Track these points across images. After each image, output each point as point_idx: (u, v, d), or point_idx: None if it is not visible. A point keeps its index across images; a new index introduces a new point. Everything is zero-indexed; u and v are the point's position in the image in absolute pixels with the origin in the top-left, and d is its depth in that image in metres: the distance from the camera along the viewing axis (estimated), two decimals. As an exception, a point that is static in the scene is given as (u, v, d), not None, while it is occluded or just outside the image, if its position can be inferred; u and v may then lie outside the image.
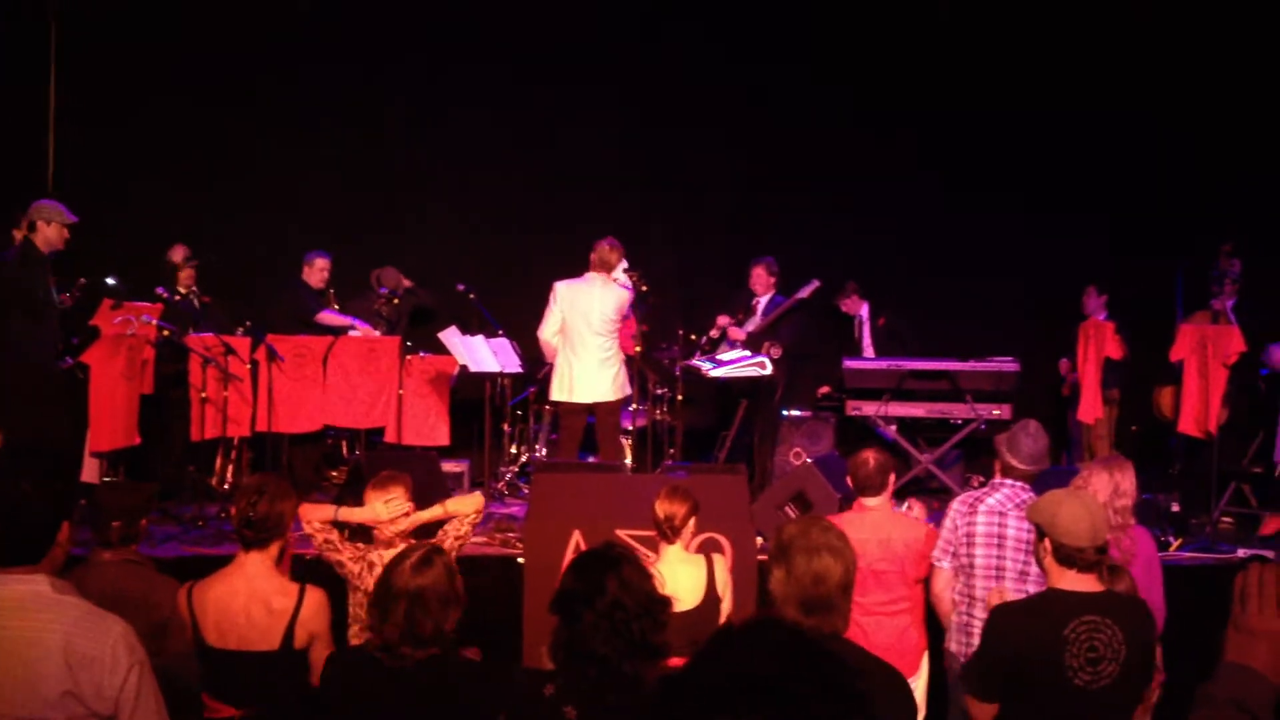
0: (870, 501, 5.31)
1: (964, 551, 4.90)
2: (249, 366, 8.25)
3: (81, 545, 4.94)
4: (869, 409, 8.86)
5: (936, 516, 7.68)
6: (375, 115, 10.61)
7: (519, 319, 9.25)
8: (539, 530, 6.13)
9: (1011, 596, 4.45)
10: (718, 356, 8.85)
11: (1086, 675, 3.54)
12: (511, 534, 7.29)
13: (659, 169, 10.83)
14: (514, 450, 9.65)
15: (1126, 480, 4.94)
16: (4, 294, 7.46)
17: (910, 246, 10.64)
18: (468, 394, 9.33)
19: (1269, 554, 7.16)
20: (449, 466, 8.62)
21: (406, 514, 4.88)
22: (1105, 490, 4.88)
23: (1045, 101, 10.49)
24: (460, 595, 3.56)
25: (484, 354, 8.82)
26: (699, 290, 10.51)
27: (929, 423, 9.16)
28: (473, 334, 8.95)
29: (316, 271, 9.39)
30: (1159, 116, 10.35)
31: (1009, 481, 4.93)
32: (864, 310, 10.04)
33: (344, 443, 9.61)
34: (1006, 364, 8.71)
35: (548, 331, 8.08)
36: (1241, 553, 7.33)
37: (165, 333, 8.02)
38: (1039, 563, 3.82)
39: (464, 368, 8.72)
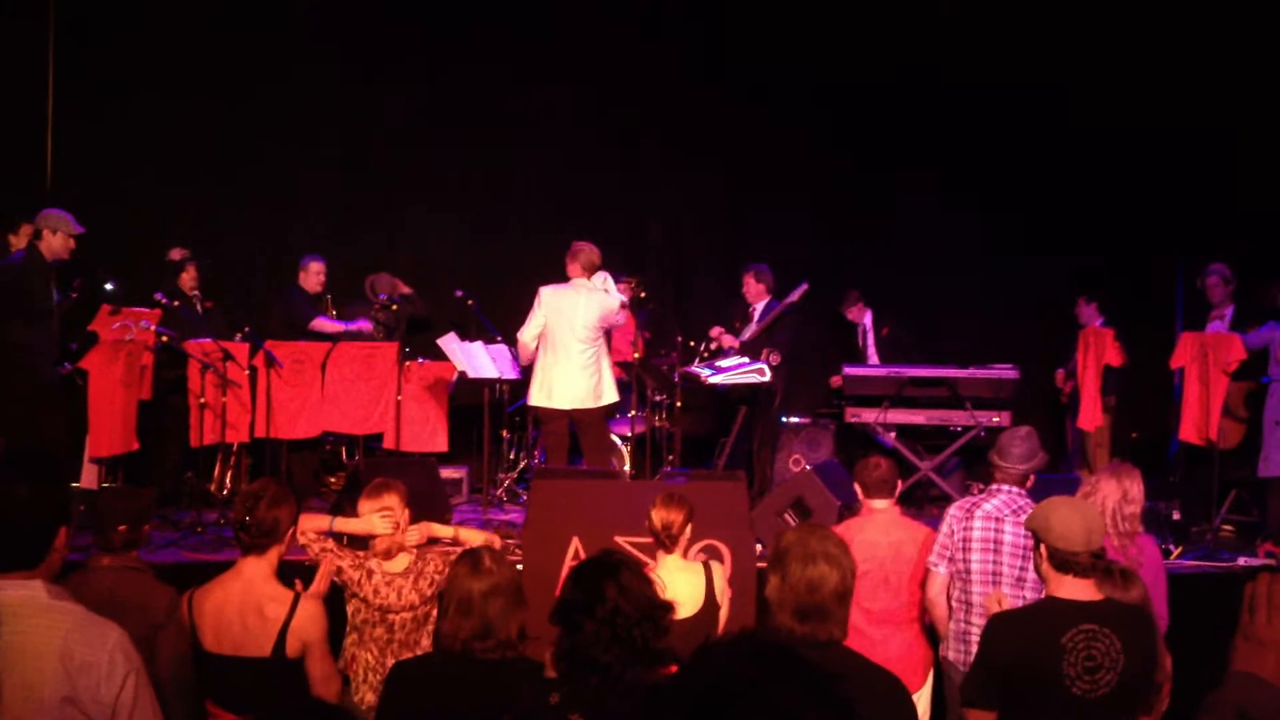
0: (879, 504, 5.33)
1: (960, 556, 4.89)
2: (248, 372, 8.23)
3: (79, 551, 4.94)
4: (868, 416, 8.84)
5: (935, 523, 7.70)
6: (373, 117, 10.60)
7: (517, 325, 9.24)
8: (538, 537, 6.12)
9: (1009, 602, 4.44)
10: (716, 363, 8.84)
11: (1084, 684, 3.53)
12: (510, 540, 7.26)
13: (658, 173, 10.84)
14: (512, 457, 9.64)
15: (1135, 487, 4.94)
16: (5, 300, 7.45)
17: (909, 252, 10.64)
18: (466, 400, 9.32)
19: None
20: (447, 473, 8.61)
21: (398, 525, 4.83)
22: (1114, 497, 4.88)
23: (1045, 105, 10.50)
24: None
25: (482, 360, 8.80)
26: (698, 297, 10.52)
27: (929, 430, 9.15)
28: (471, 340, 8.94)
29: (312, 276, 9.40)
30: (1159, 120, 10.34)
31: (1006, 488, 4.93)
32: (867, 318, 10.04)
33: (343, 449, 9.59)
34: (1006, 371, 8.70)
35: (528, 335, 7.99)
36: (1242, 561, 7.32)
37: (164, 338, 8.01)
38: (1037, 570, 3.81)
39: (462, 374, 8.71)
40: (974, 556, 4.83)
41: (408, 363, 8.84)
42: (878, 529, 5.25)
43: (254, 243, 10.20)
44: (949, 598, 4.99)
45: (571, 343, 7.84)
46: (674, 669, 3.20)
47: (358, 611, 4.67)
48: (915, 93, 10.58)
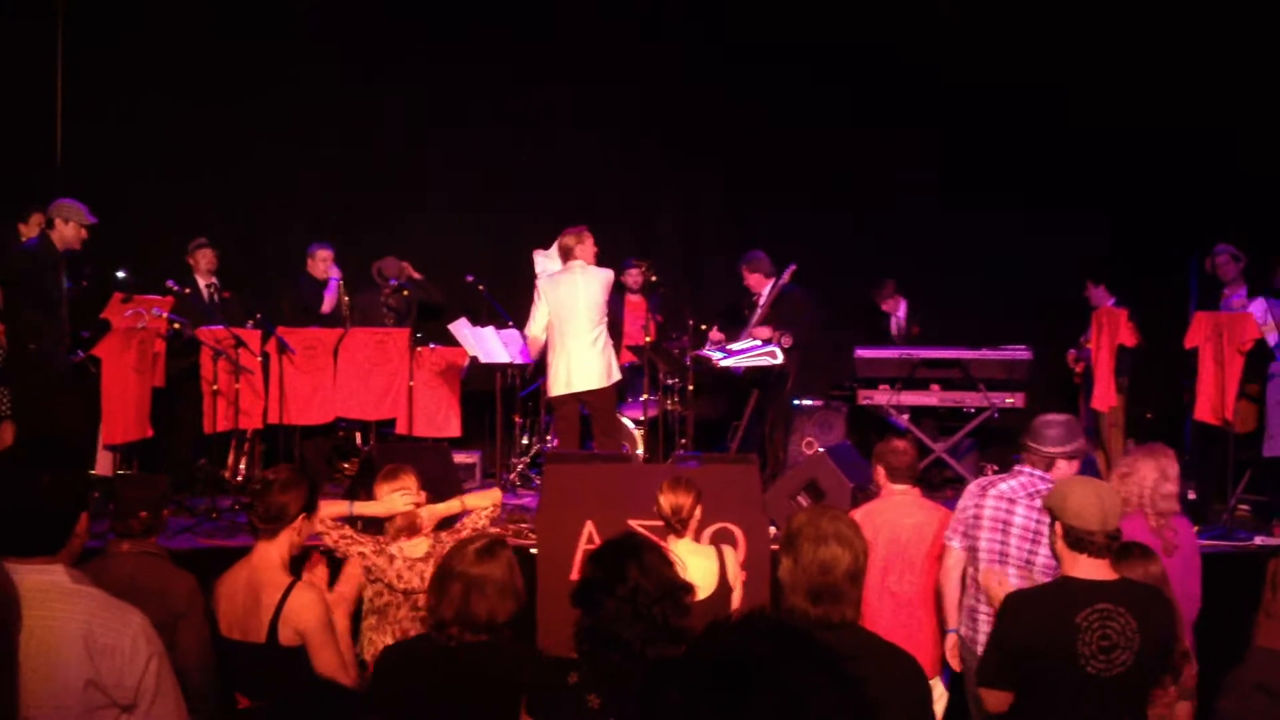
0: (899, 487, 5.31)
1: (972, 533, 4.86)
2: (260, 359, 8.25)
3: (96, 537, 4.96)
4: (881, 398, 8.82)
5: (949, 504, 7.68)
6: (384, 108, 10.60)
7: (528, 310, 9.24)
8: (551, 521, 6.12)
9: (1013, 583, 4.43)
10: (728, 346, 8.84)
11: (1099, 663, 3.52)
12: (524, 525, 7.29)
13: (666, 158, 10.85)
14: (525, 441, 9.65)
15: (1172, 467, 4.92)
16: (16, 289, 7.48)
17: (921, 238, 10.62)
18: (478, 385, 9.34)
19: None
20: (460, 458, 8.62)
21: (418, 504, 4.86)
22: (1152, 476, 4.86)
23: (1050, 94, 10.46)
24: (519, 591, 3.58)
25: (494, 345, 8.81)
26: (710, 280, 10.51)
27: (942, 412, 9.13)
28: (483, 325, 8.95)
29: (319, 263, 9.41)
30: (1167, 106, 10.30)
31: (1028, 470, 4.84)
32: (901, 309, 9.99)
33: (356, 434, 9.61)
34: (1019, 352, 8.67)
35: (535, 328, 8.13)
36: (1258, 540, 7.30)
37: (176, 326, 8.03)
38: (1053, 549, 3.80)
39: (474, 359, 8.72)
40: (982, 535, 4.80)
41: (420, 348, 8.85)
42: (900, 510, 5.25)
43: (263, 232, 10.20)
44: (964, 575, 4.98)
45: (579, 325, 7.86)
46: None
47: (379, 595, 4.68)
48: (920, 86, 10.56)
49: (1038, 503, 4.53)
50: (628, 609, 3.12)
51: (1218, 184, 10.10)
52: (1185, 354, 8.02)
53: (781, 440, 8.99)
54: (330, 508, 4.79)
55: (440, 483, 5.62)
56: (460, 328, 8.68)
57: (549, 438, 9.52)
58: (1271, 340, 7.89)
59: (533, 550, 6.39)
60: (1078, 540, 3.65)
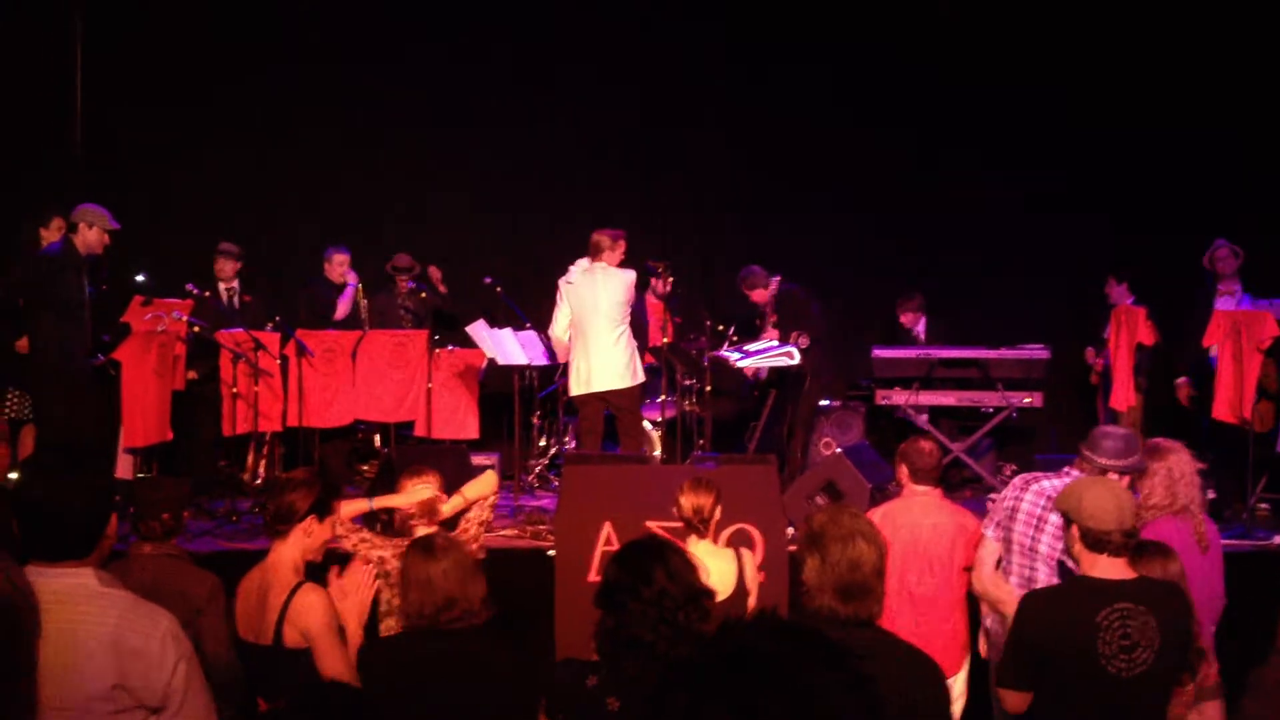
0: (921, 488, 5.30)
1: (1007, 524, 4.85)
2: (279, 362, 8.28)
3: (118, 540, 4.99)
4: (899, 398, 8.81)
5: (968, 505, 7.65)
6: (399, 110, 10.63)
7: (545, 311, 9.27)
8: (570, 522, 6.12)
9: (1041, 579, 4.43)
10: (745, 347, 8.83)
11: (1120, 663, 3.52)
12: (542, 526, 7.30)
13: (681, 159, 10.88)
14: (543, 443, 9.66)
15: (1181, 461, 4.89)
16: (38, 293, 7.53)
17: (937, 236, 10.60)
18: (496, 387, 9.36)
19: None
20: (479, 459, 8.60)
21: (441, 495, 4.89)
22: (1162, 475, 4.83)
23: (1055, 94, 10.44)
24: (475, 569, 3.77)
25: (512, 347, 8.82)
26: (726, 280, 10.51)
27: (960, 411, 9.11)
28: (500, 327, 8.96)
29: (335, 267, 9.43)
30: (1167, 107, 10.27)
31: (1075, 473, 4.73)
32: (921, 325, 9.94)
33: (374, 437, 9.64)
34: (1037, 351, 8.65)
35: (557, 329, 8.18)
36: (1278, 539, 7.26)
37: (195, 329, 8.07)
38: (1069, 552, 3.79)
39: (492, 361, 8.74)
40: (1017, 528, 4.79)
41: (438, 350, 8.87)
42: (920, 511, 5.24)
43: (282, 235, 10.24)
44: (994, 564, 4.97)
45: (601, 325, 7.89)
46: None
47: (397, 597, 4.69)
48: (923, 82, 10.54)
49: None
50: (653, 612, 3.12)
51: (1224, 182, 10.06)
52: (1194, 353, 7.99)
53: (800, 441, 8.96)
54: (349, 506, 4.81)
55: (459, 485, 5.64)
56: (478, 329, 8.70)
57: (566, 439, 9.54)
58: None
59: (551, 552, 6.40)
60: (1096, 541, 3.64)
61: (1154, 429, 8.93)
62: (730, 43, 10.76)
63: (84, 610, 2.65)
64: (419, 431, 8.76)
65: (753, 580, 4.79)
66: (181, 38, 9.98)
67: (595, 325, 7.92)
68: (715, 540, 4.98)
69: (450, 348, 8.99)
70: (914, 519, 5.22)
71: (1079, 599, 3.64)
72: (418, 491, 4.85)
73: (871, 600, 3.08)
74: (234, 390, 8.11)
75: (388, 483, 5.31)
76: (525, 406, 9.23)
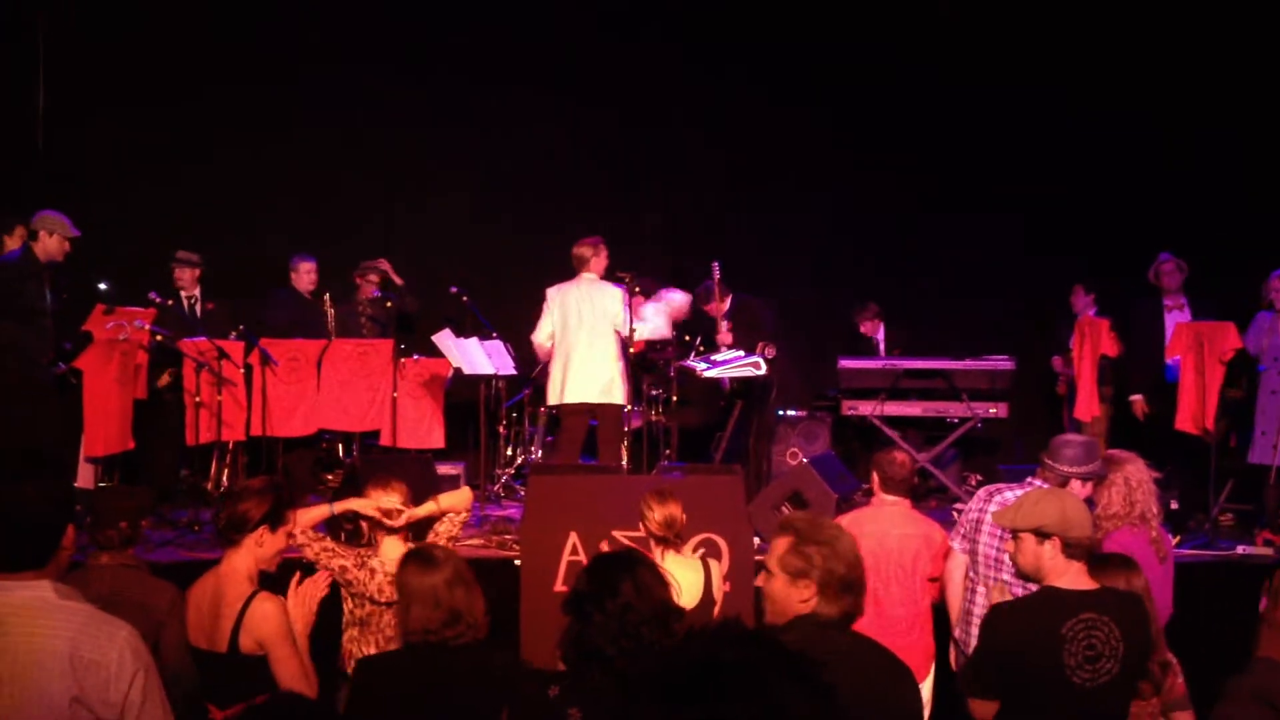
0: (891, 498, 5.32)
1: (973, 536, 4.88)
2: (243, 371, 8.22)
3: (79, 550, 4.93)
4: (865, 408, 8.84)
5: (933, 515, 7.67)
6: (369, 116, 10.59)
7: (512, 321, 9.24)
8: (535, 533, 6.11)
9: (1014, 593, 4.44)
10: (712, 357, 8.83)
11: (1085, 673, 3.54)
12: (508, 536, 7.27)
13: (650, 168, 10.90)
14: (509, 452, 9.63)
15: (1137, 471, 4.95)
16: (-1, 298, 7.45)
17: (903, 247, 10.65)
18: (462, 396, 9.32)
19: None
20: (444, 469, 8.58)
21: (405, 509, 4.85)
22: (1119, 485, 4.87)
23: (1046, 98, 10.51)
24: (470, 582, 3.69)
25: (478, 356, 8.79)
26: (695, 288, 10.53)
27: (925, 422, 9.15)
28: (466, 336, 8.93)
29: (303, 276, 9.37)
30: (1153, 115, 10.35)
31: (1038, 482, 4.82)
32: (880, 333, 9.99)
33: (339, 446, 9.58)
34: (1002, 362, 8.70)
35: (540, 335, 8.22)
36: (1241, 549, 7.33)
37: (158, 337, 8.00)
38: (1036, 568, 3.75)
39: (458, 370, 8.70)
40: (983, 539, 4.83)
41: (403, 359, 8.82)
42: (888, 521, 5.25)
43: (247, 242, 10.17)
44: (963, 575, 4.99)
45: (583, 336, 7.96)
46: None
47: (360, 607, 4.66)
48: (910, 93, 10.58)
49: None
50: (614, 626, 3.11)
51: (1214, 190, 10.14)
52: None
53: (765, 450, 8.97)
54: (311, 513, 4.78)
55: (424, 494, 5.61)
56: (444, 339, 8.66)
57: (533, 449, 9.52)
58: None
59: (516, 562, 6.38)
60: (1077, 550, 3.66)
61: (1119, 439, 9.02)
62: (728, 44, 10.75)
63: (41, 623, 2.61)
64: (384, 441, 8.71)
65: (719, 590, 4.79)
66: (145, 42, 9.91)
67: (578, 336, 7.98)
68: (681, 551, 4.97)
69: (415, 357, 8.94)
70: (881, 528, 5.24)
71: (1045, 610, 3.65)
72: (382, 499, 4.80)
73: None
74: (197, 399, 8.04)
75: (353, 492, 5.26)
76: (491, 416, 9.20)
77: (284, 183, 10.33)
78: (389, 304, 9.51)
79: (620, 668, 3.07)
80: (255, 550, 4.02)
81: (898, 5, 10.71)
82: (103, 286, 8.24)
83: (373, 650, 4.56)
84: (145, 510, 4.69)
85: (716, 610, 4.76)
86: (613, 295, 8.04)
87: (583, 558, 5.80)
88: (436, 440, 8.89)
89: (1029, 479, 4.93)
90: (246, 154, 10.20)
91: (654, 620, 3.14)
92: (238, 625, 3.89)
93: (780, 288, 9.56)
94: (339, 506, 4.86)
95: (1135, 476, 4.92)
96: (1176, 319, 8.42)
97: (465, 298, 9.31)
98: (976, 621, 4.65)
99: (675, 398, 8.93)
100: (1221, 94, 10.28)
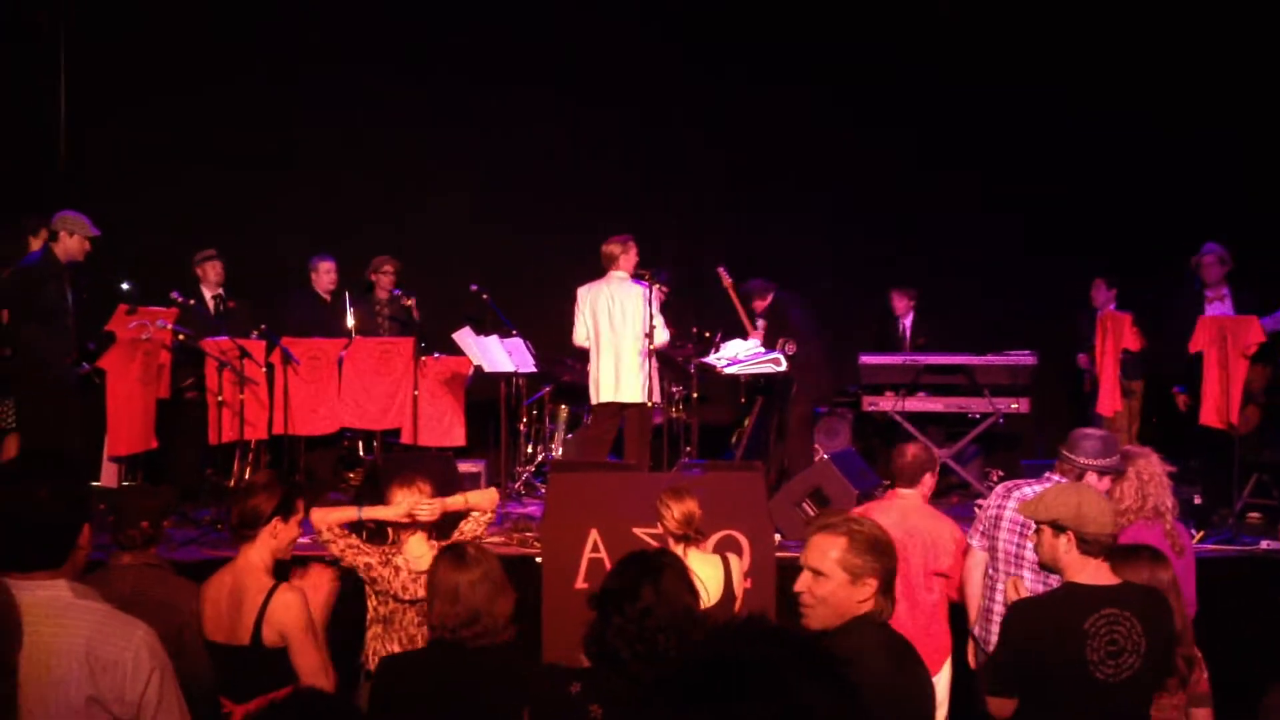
0: (904, 491, 5.31)
1: (992, 533, 4.87)
2: (264, 370, 8.26)
3: (100, 550, 4.95)
4: (886, 404, 8.82)
5: (954, 512, 7.64)
6: (390, 116, 10.63)
7: (533, 319, 9.26)
8: (556, 530, 6.12)
9: (1028, 589, 4.43)
10: (732, 353, 8.83)
11: (1108, 668, 3.52)
12: (529, 534, 7.28)
13: (650, 168, 10.89)
14: (530, 450, 9.64)
15: (1149, 466, 4.94)
16: (21, 301, 7.49)
17: (903, 246, 10.62)
18: (483, 394, 9.33)
19: None
20: (465, 467, 8.61)
21: (431, 516, 4.83)
22: (1133, 480, 4.86)
23: (1050, 96, 10.47)
24: (507, 586, 3.67)
25: (498, 354, 8.80)
26: (715, 288, 10.52)
27: (947, 417, 9.12)
28: (487, 334, 8.94)
29: (322, 276, 9.38)
30: (1162, 111, 10.29)
31: (1057, 477, 4.81)
32: (909, 319, 9.95)
33: (360, 444, 9.61)
34: (1023, 357, 8.67)
35: (577, 337, 8.24)
36: (1264, 545, 7.28)
37: (181, 337, 8.04)
38: (1055, 561, 3.75)
39: (479, 368, 8.71)
40: (1002, 535, 4.81)
41: (424, 358, 8.84)
42: (897, 514, 5.22)
43: (259, 242, 10.20)
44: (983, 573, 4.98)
45: (612, 335, 8.01)
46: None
47: (384, 604, 4.67)
48: (917, 89, 10.56)
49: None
50: (631, 629, 3.09)
51: (1219, 185, 10.08)
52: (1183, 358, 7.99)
53: (794, 448, 8.93)
54: (338, 514, 4.80)
55: (445, 492, 5.62)
56: (464, 336, 8.68)
57: (554, 446, 9.53)
58: None
59: (537, 559, 6.39)
60: (1094, 546, 3.64)
61: (1146, 433, 8.96)
62: (729, 43, 10.75)
63: (57, 624, 2.62)
64: (405, 439, 8.73)
65: (739, 587, 4.78)
66: (166, 44, 9.96)
67: (607, 335, 8.02)
68: (703, 547, 4.96)
69: (436, 355, 8.96)
70: (892, 520, 5.22)
71: (1066, 606, 3.64)
72: (408, 498, 4.81)
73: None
74: (219, 398, 8.08)
75: (374, 490, 5.28)
76: (511, 414, 9.21)
77: (303, 183, 10.36)
78: (407, 301, 9.48)
79: (634, 671, 3.06)
80: (270, 542, 4.10)
81: (898, 5, 10.68)
82: (125, 286, 8.28)
83: (396, 648, 4.57)
84: (168, 509, 4.71)
85: (737, 606, 4.75)
86: (636, 293, 8.04)
87: (603, 555, 5.81)
88: (457, 438, 8.92)
89: (1047, 474, 4.91)
90: (269, 151, 10.24)
91: (671, 628, 3.11)
92: (260, 617, 3.94)
93: (800, 281, 9.52)
94: (367, 514, 4.85)
95: (1147, 471, 4.90)
96: (1217, 311, 8.33)
97: (485, 295, 9.33)
98: (996, 619, 4.64)
99: (696, 394, 8.93)
100: (1225, 90, 10.22)
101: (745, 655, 1.50)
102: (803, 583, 3.06)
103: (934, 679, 5.08)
